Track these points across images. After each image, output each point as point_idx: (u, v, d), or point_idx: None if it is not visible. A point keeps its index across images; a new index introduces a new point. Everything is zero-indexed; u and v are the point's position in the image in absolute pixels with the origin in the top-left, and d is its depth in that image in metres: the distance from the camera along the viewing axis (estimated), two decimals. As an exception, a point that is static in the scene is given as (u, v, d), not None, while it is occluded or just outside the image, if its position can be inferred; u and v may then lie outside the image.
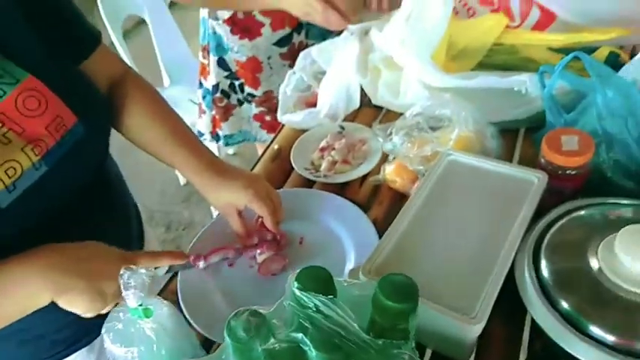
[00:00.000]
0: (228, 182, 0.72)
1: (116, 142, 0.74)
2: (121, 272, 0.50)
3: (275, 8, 1.03)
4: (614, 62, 0.85)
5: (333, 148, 0.90)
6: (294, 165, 0.89)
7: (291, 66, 1.10)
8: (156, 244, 0.92)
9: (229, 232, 0.76)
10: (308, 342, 0.40)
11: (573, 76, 0.73)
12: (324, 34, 1.15)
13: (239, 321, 0.41)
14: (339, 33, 1.03)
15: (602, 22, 0.88)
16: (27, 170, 0.59)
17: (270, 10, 1.12)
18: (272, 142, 0.99)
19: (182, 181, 2.23)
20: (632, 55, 0.84)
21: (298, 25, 1.18)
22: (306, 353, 0.41)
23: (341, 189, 0.84)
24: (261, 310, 0.42)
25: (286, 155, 0.92)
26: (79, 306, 0.58)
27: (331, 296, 0.42)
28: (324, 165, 0.87)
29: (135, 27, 2.26)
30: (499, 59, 0.89)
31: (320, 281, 0.44)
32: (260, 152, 1.03)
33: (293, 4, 0.99)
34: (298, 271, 0.45)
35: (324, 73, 1.02)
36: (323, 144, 0.91)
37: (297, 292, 0.42)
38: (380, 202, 0.81)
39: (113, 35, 1.81)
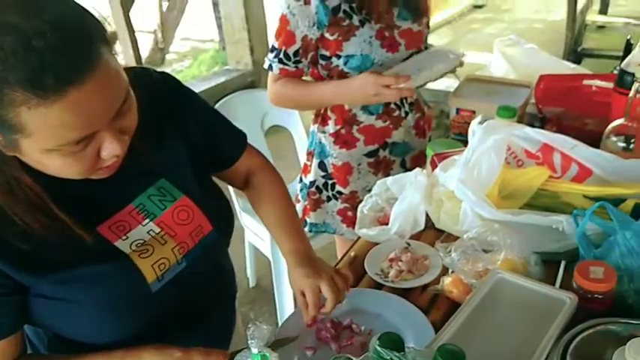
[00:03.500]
0: (303, 271, 0.90)
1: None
2: (249, 326, 0.70)
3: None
4: (640, 212, 1.02)
5: (400, 260, 1.09)
6: (367, 270, 1.09)
7: (375, 174, 1.50)
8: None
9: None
10: (385, 381, 0.58)
11: (600, 220, 0.91)
12: (404, 152, 1.53)
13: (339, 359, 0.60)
14: (411, 168, 1.28)
15: (631, 179, 1.07)
16: (172, 265, 0.80)
17: (364, 129, 1.47)
18: (349, 250, 1.20)
19: (251, 284, 2.45)
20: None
21: (384, 144, 1.51)
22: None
23: (405, 293, 1.02)
24: (353, 358, 0.61)
25: (360, 262, 1.12)
26: None
27: (403, 352, 0.60)
28: (392, 272, 1.06)
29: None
30: (543, 202, 1.08)
31: (394, 342, 0.62)
32: (339, 246, 1.42)
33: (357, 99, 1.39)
34: (379, 334, 0.63)
35: (395, 199, 1.25)
36: (392, 255, 1.11)
37: (378, 348, 0.61)
38: (438, 308, 0.98)
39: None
